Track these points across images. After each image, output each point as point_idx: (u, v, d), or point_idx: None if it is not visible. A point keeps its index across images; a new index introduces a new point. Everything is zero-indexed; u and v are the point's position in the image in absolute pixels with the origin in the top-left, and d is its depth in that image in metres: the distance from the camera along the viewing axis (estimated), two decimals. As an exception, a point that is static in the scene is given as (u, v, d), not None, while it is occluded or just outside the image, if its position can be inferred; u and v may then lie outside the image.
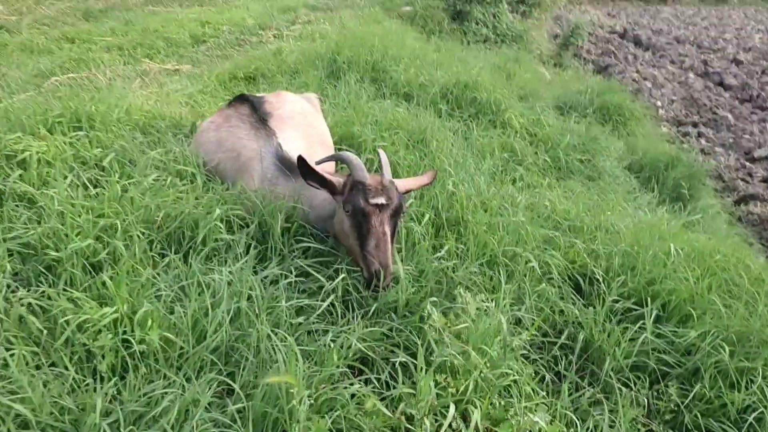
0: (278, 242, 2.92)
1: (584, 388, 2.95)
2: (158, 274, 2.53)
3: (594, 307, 3.29)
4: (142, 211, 2.86)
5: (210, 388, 2.00)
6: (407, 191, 3.21)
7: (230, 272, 2.52)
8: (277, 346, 2.07)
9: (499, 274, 3.15)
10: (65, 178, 3.07)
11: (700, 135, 11.26)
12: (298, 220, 3.12)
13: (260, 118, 3.76)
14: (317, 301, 2.61)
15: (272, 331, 2.30)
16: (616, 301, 3.34)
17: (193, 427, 1.85)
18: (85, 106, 3.90)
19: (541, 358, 3.05)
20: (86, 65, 6.95)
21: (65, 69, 6.54)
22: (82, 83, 5.99)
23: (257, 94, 4.34)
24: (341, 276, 2.69)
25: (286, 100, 4.11)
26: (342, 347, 2.38)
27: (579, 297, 3.53)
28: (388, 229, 2.86)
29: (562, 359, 3.08)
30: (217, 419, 1.91)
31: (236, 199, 3.13)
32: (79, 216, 2.75)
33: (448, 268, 3.09)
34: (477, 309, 2.70)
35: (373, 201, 2.86)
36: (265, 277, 2.69)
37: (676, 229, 4.50)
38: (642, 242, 3.88)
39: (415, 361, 2.34)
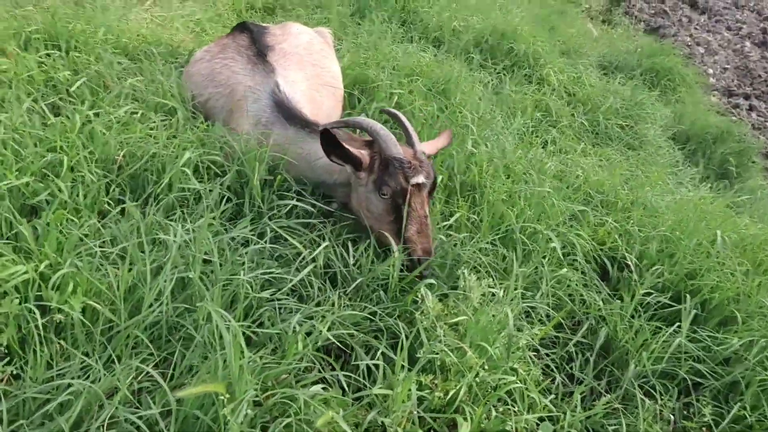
0: (257, 197, 2.49)
1: (601, 393, 2.53)
2: (103, 227, 2.13)
3: (621, 300, 2.84)
4: (101, 148, 2.44)
5: (131, 377, 1.61)
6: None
7: (188, 230, 2.10)
8: (220, 328, 1.66)
9: (514, 254, 2.70)
10: (22, 102, 2.66)
11: (751, 108, 10.45)
12: (282, 173, 2.67)
13: (259, 51, 3.29)
14: (290, 271, 2.19)
15: (227, 307, 1.90)
16: (648, 294, 2.88)
17: (100, 428, 1.47)
18: (66, 24, 3.46)
19: (553, 354, 2.63)
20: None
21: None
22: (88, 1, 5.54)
23: (262, 24, 3.85)
24: (324, 244, 2.26)
25: (292, 32, 3.62)
26: (314, 331, 1.97)
27: (605, 285, 3.08)
28: (428, 210, 2.54)
29: (578, 357, 2.65)
30: (133, 420, 1.52)
31: (215, 142, 2.69)
32: (26, 148, 2.34)
33: (455, 243, 2.64)
34: (482, 296, 2.27)
35: (414, 180, 2.49)
36: (233, 239, 2.27)
37: (722, 211, 3.98)
38: (685, 226, 3.38)
39: (394, 357, 1.92)
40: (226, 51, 3.39)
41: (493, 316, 2.16)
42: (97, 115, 2.69)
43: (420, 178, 2.50)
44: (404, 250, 2.43)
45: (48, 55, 3.22)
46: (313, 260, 2.28)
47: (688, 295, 2.72)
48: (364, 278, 2.30)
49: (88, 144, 2.45)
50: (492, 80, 5.29)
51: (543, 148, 4.53)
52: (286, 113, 2.89)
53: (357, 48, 4.69)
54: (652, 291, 2.88)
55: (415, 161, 2.55)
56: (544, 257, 2.74)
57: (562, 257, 2.90)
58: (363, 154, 2.59)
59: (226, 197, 2.49)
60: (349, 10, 5.97)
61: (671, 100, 7.39)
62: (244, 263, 2.11)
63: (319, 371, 1.98)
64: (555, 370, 2.52)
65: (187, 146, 2.57)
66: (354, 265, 2.35)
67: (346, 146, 2.49)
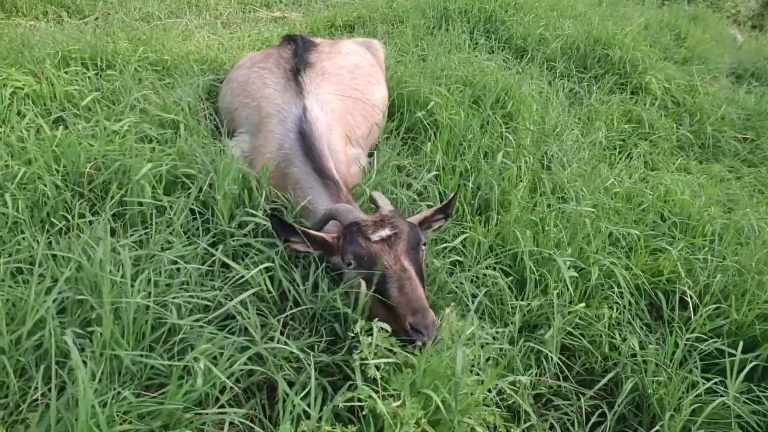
0: (219, 213, 2.29)
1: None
2: (38, 241, 2.03)
3: (662, 344, 2.30)
4: (70, 161, 2.37)
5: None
6: (422, 222, 2.34)
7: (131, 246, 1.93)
8: (73, 360, 1.45)
9: (520, 283, 2.27)
10: (24, 117, 2.68)
11: None
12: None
13: (296, 66, 3.12)
14: (219, 295, 1.96)
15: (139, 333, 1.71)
16: (703, 339, 2.31)
17: None
18: (107, 44, 3.54)
19: (569, 405, 2.16)
20: (198, 11, 6.78)
21: (169, 14, 6.36)
22: (179, 26, 5.77)
23: (314, 39, 3.69)
24: (262, 266, 2.00)
25: (341, 51, 3.42)
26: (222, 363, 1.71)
27: (659, 325, 2.54)
28: (408, 264, 2.08)
29: (594, 413, 2.16)
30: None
31: (193, 155, 2.53)
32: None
33: (446, 268, 2.27)
34: (452, 335, 1.88)
35: (376, 236, 2.12)
36: (183, 257, 2.07)
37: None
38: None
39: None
40: (267, 60, 3.27)
41: (444, 358, 1.77)
42: (84, 128, 2.65)
43: (383, 232, 2.12)
44: (396, 318, 1.95)
45: (79, 72, 3.28)
46: (262, 284, 2.03)
47: (743, 342, 2.12)
48: (318, 306, 2.01)
49: (65, 156, 2.39)
50: (576, 89, 4.78)
51: (627, 162, 3.98)
52: (308, 148, 2.64)
53: (417, 59, 4.42)
54: (706, 336, 2.31)
55: (376, 219, 2.20)
56: (556, 287, 2.28)
57: (591, 290, 2.41)
58: (331, 237, 2.25)
59: (197, 211, 2.32)
60: (431, 23, 5.72)
61: (815, 111, 6.31)
62: (169, 285, 1.91)
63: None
64: (560, 423, 2.07)
65: (161, 159, 2.44)
66: (311, 290, 2.07)
67: (301, 229, 2.17)
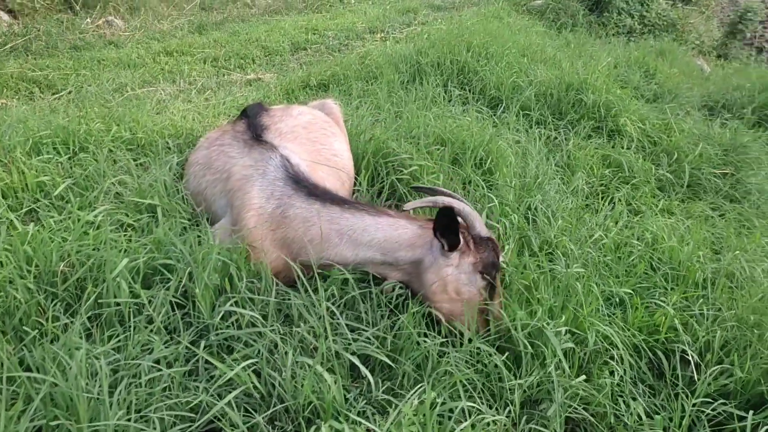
0: (202, 305, 2.20)
1: None
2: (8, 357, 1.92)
3: (667, 406, 2.23)
4: (42, 259, 2.29)
5: None
6: None
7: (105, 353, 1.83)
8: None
9: (516, 357, 2.20)
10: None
11: None
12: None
13: (254, 134, 3.09)
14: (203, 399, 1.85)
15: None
16: (709, 403, 2.24)
17: None
18: (78, 125, 3.48)
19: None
20: (173, 78, 6.77)
21: (143, 83, 6.35)
22: (153, 96, 5.75)
23: (266, 106, 3.64)
24: (242, 365, 1.91)
25: (292, 114, 3.41)
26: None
27: (660, 384, 2.46)
28: None
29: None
30: None
31: (170, 244, 2.44)
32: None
33: (437, 349, 2.19)
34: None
35: (502, 258, 2.55)
36: (164, 358, 1.98)
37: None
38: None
39: None
40: (224, 137, 3.22)
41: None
42: (57, 221, 2.57)
43: (502, 258, 2.55)
44: (495, 326, 2.39)
45: (51, 159, 3.21)
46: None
47: (749, 405, 2.05)
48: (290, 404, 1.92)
49: (39, 254, 2.30)
50: (553, 136, 4.79)
51: (610, 209, 3.95)
52: (306, 187, 2.68)
53: (392, 116, 4.41)
54: (711, 399, 2.24)
55: (493, 242, 2.52)
56: (553, 360, 2.20)
57: (589, 356, 2.34)
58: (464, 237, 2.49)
59: (175, 305, 2.23)
60: (405, 77, 5.75)
61: (791, 141, 6.38)
62: (151, 393, 1.82)
63: None
64: None
65: (137, 250, 2.36)
66: (292, 379, 1.97)
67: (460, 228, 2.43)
